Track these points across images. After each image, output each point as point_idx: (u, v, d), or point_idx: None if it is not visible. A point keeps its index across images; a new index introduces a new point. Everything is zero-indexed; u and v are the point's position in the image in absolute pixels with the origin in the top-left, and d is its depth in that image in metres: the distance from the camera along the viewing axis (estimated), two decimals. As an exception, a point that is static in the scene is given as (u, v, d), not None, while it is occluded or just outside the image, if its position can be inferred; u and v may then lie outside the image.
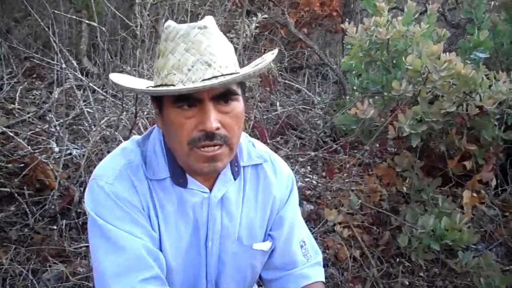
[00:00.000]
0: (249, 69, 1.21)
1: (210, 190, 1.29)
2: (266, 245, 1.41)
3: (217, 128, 1.14)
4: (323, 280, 1.48)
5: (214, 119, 1.13)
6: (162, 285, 1.19)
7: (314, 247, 1.50)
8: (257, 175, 1.39)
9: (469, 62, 2.85)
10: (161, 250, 1.26)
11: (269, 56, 1.25)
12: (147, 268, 1.17)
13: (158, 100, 1.21)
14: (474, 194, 2.71)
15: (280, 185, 1.42)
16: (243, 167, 1.36)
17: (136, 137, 1.33)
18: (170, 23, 1.20)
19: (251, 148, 1.40)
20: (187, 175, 1.26)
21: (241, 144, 1.36)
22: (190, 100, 1.14)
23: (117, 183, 1.21)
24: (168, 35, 1.17)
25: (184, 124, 1.15)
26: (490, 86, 2.62)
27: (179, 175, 1.26)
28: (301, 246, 1.45)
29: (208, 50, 1.13)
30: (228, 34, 3.96)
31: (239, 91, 1.20)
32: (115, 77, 1.27)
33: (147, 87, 1.23)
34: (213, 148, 1.16)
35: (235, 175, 1.33)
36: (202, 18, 4.00)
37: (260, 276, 1.49)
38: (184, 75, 1.12)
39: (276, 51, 1.30)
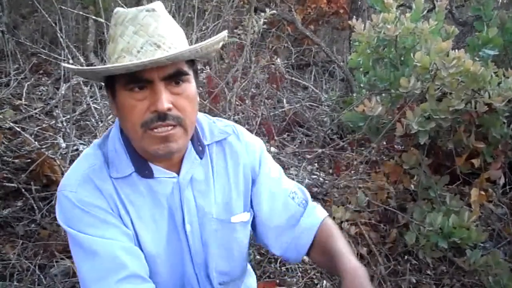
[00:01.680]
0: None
1: (178, 174, 1.30)
2: (245, 216, 1.41)
3: (169, 109, 1.15)
4: (326, 214, 1.47)
5: (165, 100, 1.13)
6: (141, 282, 1.19)
7: (304, 194, 1.49)
8: (223, 149, 1.40)
9: (477, 59, 2.83)
10: (141, 245, 1.26)
11: (218, 36, 1.24)
12: (122, 268, 1.17)
13: (111, 86, 1.21)
14: (482, 192, 2.69)
15: (247, 152, 1.42)
16: (208, 145, 1.37)
17: (96, 141, 1.34)
18: (119, 9, 1.20)
19: (213, 126, 1.41)
20: (151, 165, 1.26)
21: (202, 124, 1.38)
22: (140, 82, 1.14)
23: (81, 189, 1.21)
24: (117, 20, 1.17)
25: (136, 107, 1.15)
26: (499, 83, 2.60)
27: (143, 167, 1.26)
28: (293, 198, 1.44)
29: (156, 32, 1.14)
30: (235, 30, 3.94)
31: (190, 71, 1.20)
32: (68, 64, 1.27)
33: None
34: (166, 128, 1.16)
35: (200, 154, 1.34)
36: (209, 14, 3.99)
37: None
38: (134, 57, 1.12)
39: (225, 32, 1.30)
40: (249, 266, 1.59)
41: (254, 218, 1.44)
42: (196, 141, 1.33)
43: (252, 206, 1.43)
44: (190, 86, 1.20)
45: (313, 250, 1.42)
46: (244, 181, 1.41)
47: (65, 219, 1.22)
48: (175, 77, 1.16)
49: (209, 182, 1.35)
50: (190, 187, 1.32)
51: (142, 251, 1.26)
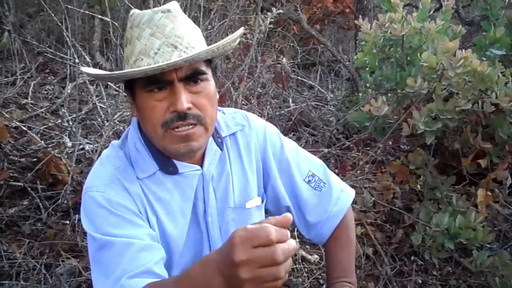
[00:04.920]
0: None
1: (201, 166, 1.31)
2: (258, 201, 1.43)
3: (189, 108, 1.16)
4: (347, 206, 1.49)
5: (185, 99, 1.14)
6: (153, 278, 1.13)
7: (325, 173, 1.49)
8: (236, 139, 1.42)
9: (484, 59, 2.81)
10: (169, 241, 1.27)
11: (235, 34, 1.25)
12: (138, 265, 1.12)
13: (131, 88, 1.22)
14: (489, 193, 2.68)
15: (257, 138, 1.44)
16: (224, 137, 1.39)
17: (115, 142, 1.34)
18: (134, 10, 1.21)
19: (225, 117, 1.43)
20: (175, 161, 1.27)
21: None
22: (160, 83, 1.15)
23: (109, 189, 1.21)
24: (133, 22, 1.18)
25: (156, 107, 1.16)
26: (506, 83, 2.59)
27: (167, 165, 1.27)
28: (309, 182, 1.46)
29: (173, 33, 1.15)
30: (241, 30, 3.93)
31: (208, 70, 1.21)
32: (86, 69, 1.29)
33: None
34: (187, 127, 1.17)
35: (221, 146, 1.35)
36: (215, 13, 3.99)
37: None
38: (151, 59, 1.13)
39: (242, 29, 1.31)
40: None
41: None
42: (215, 134, 1.34)
43: (265, 191, 1.46)
44: (209, 84, 1.21)
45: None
46: (256, 166, 1.43)
47: (89, 220, 1.20)
48: (193, 77, 1.17)
49: (228, 173, 1.37)
50: (210, 180, 1.33)
51: (169, 246, 1.27)
